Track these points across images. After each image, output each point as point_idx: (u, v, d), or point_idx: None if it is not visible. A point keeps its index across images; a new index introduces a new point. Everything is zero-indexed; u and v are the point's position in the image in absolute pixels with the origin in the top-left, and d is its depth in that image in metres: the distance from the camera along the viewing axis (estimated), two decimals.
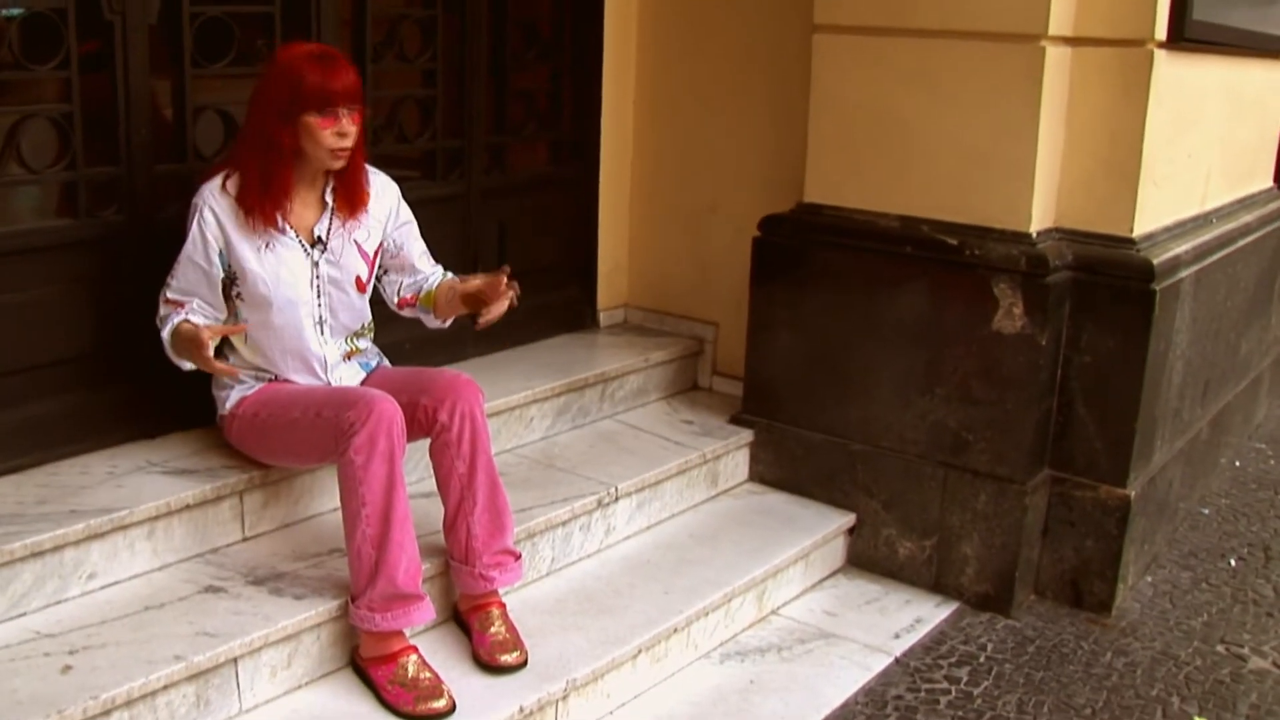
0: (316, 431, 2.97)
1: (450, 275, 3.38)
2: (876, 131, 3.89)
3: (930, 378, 3.83)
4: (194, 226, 3.03)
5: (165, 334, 3.04)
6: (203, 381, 3.26)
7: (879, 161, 3.91)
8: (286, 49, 3.03)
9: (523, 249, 4.37)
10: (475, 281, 3.15)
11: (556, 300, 4.58)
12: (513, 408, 3.91)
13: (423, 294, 3.34)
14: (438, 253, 3.91)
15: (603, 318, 4.75)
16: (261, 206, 3.01)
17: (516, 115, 4.35)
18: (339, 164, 3.02)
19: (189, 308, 3.06)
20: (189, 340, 2.92)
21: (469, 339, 4.18)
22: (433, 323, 3.36)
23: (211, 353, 2.87)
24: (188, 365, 3.02)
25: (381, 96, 3.83)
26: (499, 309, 3.09)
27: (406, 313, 3.39)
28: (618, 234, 4.75)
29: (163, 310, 3.08)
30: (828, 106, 3.99)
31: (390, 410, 2.89)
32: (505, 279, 3.06)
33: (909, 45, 3.80)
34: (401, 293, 3.35)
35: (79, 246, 3.17)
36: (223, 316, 3.14)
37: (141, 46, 3.17)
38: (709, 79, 4.50)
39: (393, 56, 3.85)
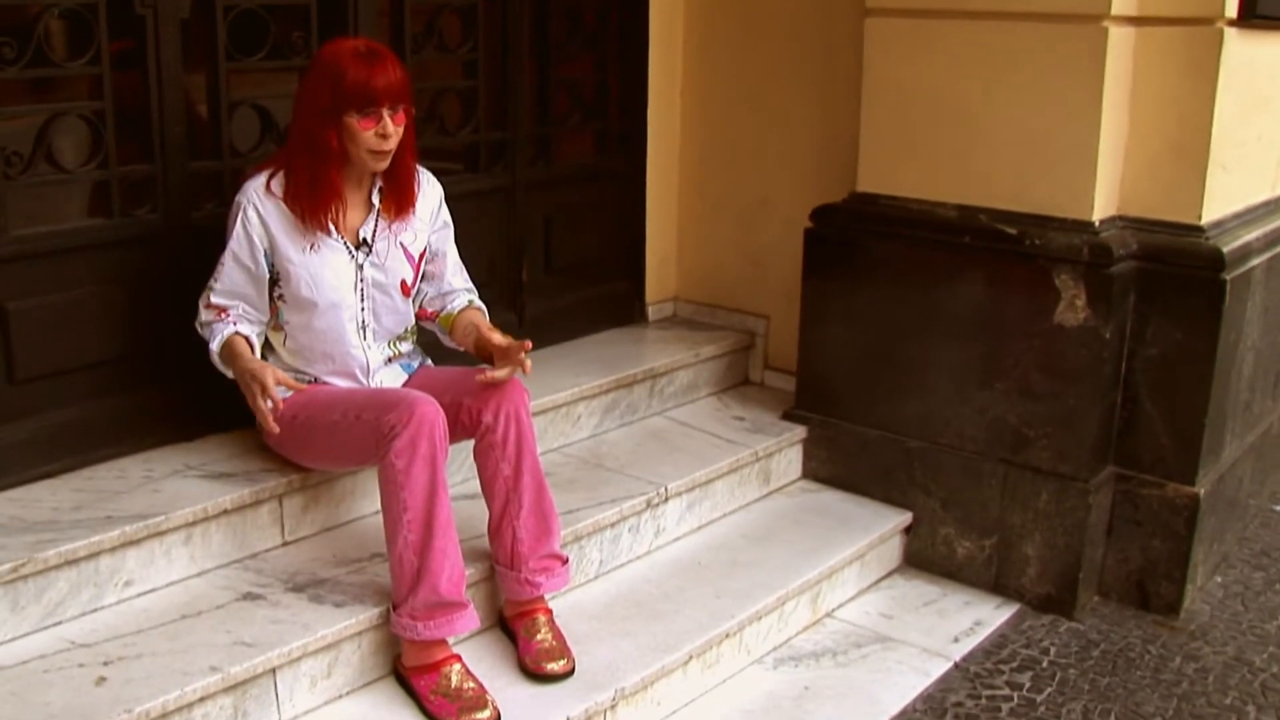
0: (356, 434, 2.90)
1: (477, 304, 3.28)
2: (932, 118, 3.76)
3: (989, 372, 3.70)
4: (238, 225, 2.97)
5: (215, 345, 2.98)
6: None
7: (935, 149, 3.78)
8: (330, 45, 2.94)
9: (569, 242, 4.29)
10: (496, 339, 3.01)
11: (604, 294, 4.49)
12: (559, 405, 3.82)
13: (444, 314, 3.26)
14: (481, 248, 3.86)
15: (651, 311, 4.65)
16: (312, 209, 2.94)
17: (561, 106, 4.25)
18: (380, 165, 2.94)
19: (234, 315, 3.01)
20: (252, 377, 2.86)
21: (514, 335, 3.99)
22: (445, 341, 3.29)
23: (272, 398, 2.83)
24: (233, 374, 2.97)
25: (422, 89, 3.73)
26: (504, 373, 2.95)
27: (424, 324, 3.31)
28: (666, 226, 4.65)
29: (204, 315, 3.02)
30: (881, 93, 3.86)
31: (432, 413, 2.81)
32: (524, 352, 2.93)
33: (965, 28, 3.66)
34: (424, 303, 3.27)
35: (113, 247, 3.12)
36: (267, 319, 3.08)
37: (174, 41, 3.10)
38: (757, 66, 4.39)
39: (433, 47, 3.76)
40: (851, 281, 3.94)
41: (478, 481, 3.06)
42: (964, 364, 3.75)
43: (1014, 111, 3.60)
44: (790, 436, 4.05)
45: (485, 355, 3.08)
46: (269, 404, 2.84)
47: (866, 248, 3.90)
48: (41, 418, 3.05)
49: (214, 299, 3.01)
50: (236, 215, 2.97)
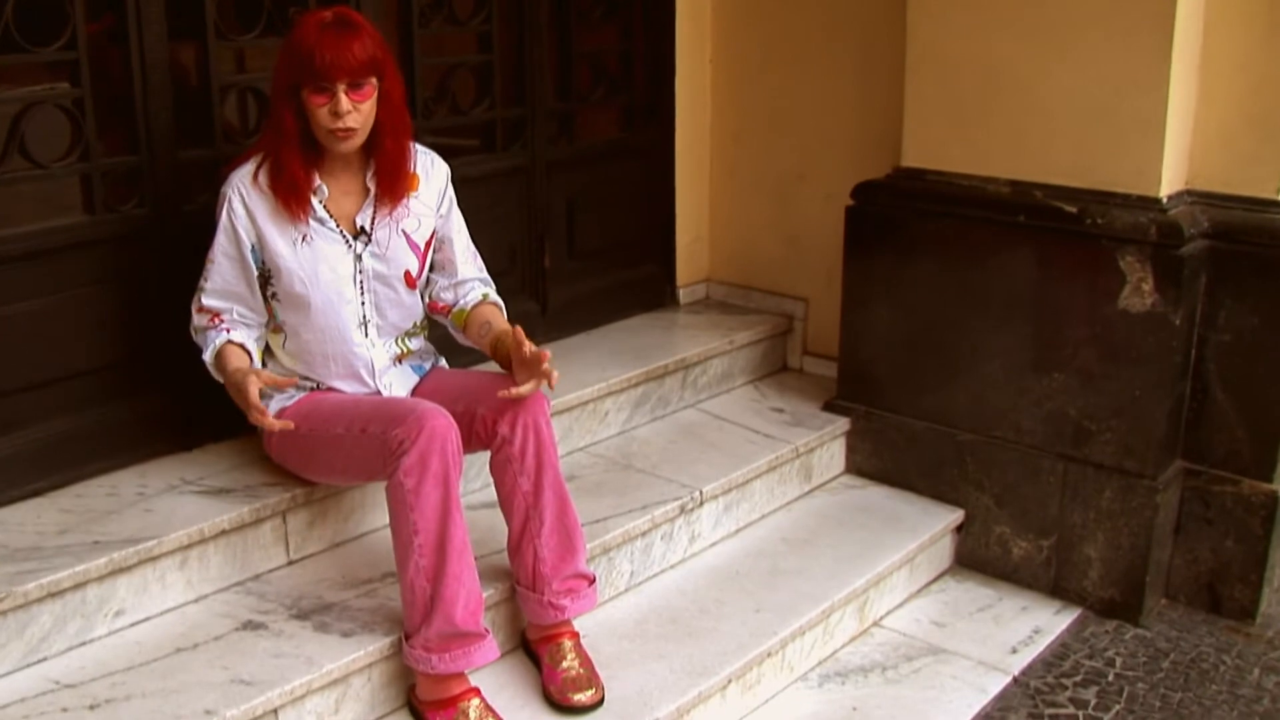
0: (362, 449, 2.67)
1: (493, 299, 3.02)
2: (983, 87, 3.48)
3: (1047, 361, 3.44)
4: (223, 218, 2.76)
5: (208, 356, 2.79)
6: None
7: (986, 120, 3.49)
8: (302, 17, 2.71)
9: (594, 224, 4.04)
10: (518, 348, 2.72)
11: (632, 278, 4.23)
12: (586, 402, 3.58)
13: (456, 309, 3.00)
14: (501, 234, 3.61)
15: (682, 295, 4.40)
16: (285, 196, 2.72)
17: (583, 79, 3.99)
18: (342, 146, 2.70)
19: (228, 320, 2.80)
20: (235, 387, 2.66)
21: (537, 325, 3.86)
22: (459, 338, 3.04)
23: (257, 401, 2.59)
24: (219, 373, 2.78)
25: (432, 64, 3.49)
26: (527, 388, 2.69)
27: (437, 319, 3.06)
28: (697, 204, 4.38)
29: (197, 320, 2.81)
30: (927, 60, 3.58)
31: (444, 426, 2.57)
32: (544, 362, 2.68)
33: None
34: (436, 296, 3.02)
35: (98, 246, 2.89)
36: (265, 321, 2.86)
37: (158, 19, 2.88)
38: (792, 31, 4.10)
39: (442, 20, 3.50)
40: (897, 263, 3.68)
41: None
42: (1019, 352, 3.48)
43: (1073, 78, 3.31)
44: (832, 430, 3.80)
45: (502, 357, 2.84)
46: (264, 412, 2.61)
47: (913, 227, 3.63)
48: (25, 432, 2.84)
49: (205, 301, 2.80)
50: (221, 207, 2.76)
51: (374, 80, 2.66)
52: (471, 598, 2.60)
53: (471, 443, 2.77)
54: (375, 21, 3.13)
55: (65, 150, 2.82)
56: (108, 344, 2.94)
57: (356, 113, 2.64)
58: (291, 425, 2.68)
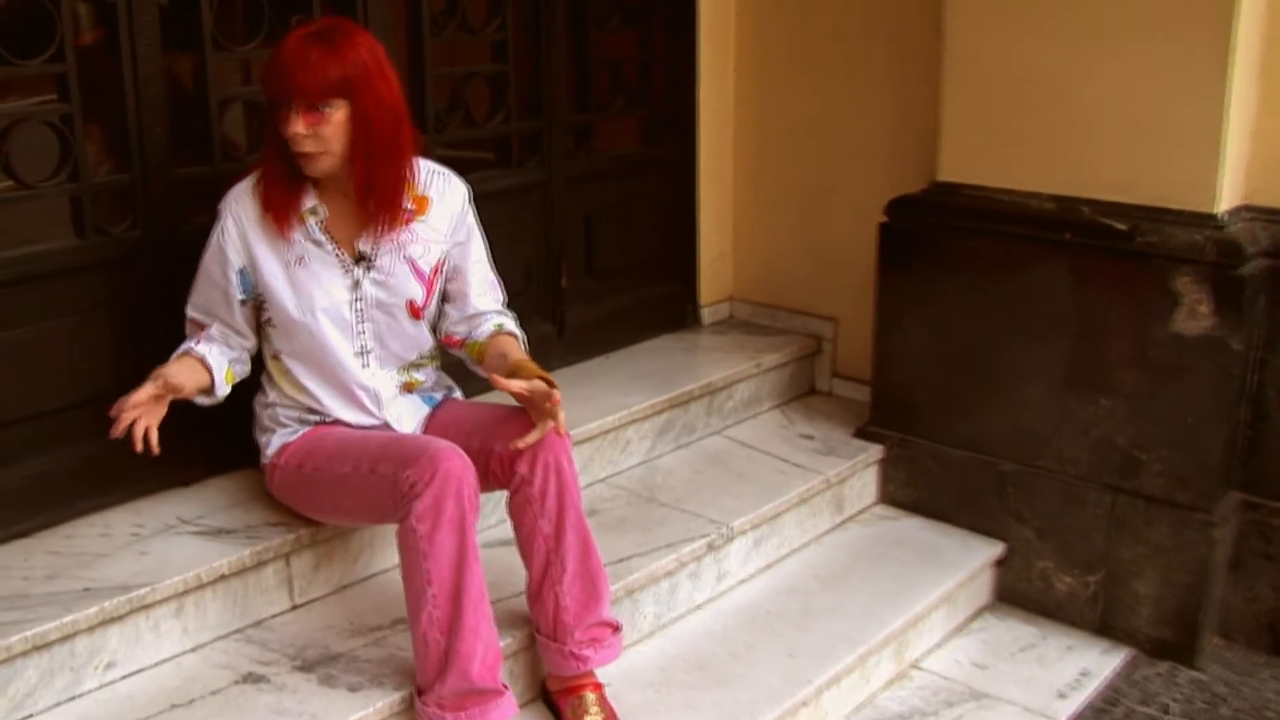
0: (371, 490, 2.50)
1: (509, 329, 2.80)
2: (1025, 96, 3.29)
3: (1093, 386, 3.24)
4: (214, 238, 2.61)
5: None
6: (245, 419, 2.81)
7: (1028, 132, 3.30)
8: (293, 27, 2.55)
9: (613, 241, 3.86)
10: (520, 383, 2.49)
11: (653, 297, 4.04)
12: (607, 430, 3.39)
13: (470, 341, 2.80)
14: (516, 252, 3.44)
15: (705, 314, 4.20)
16: (271, 213, 2.58)
17: (602, 90, 3.80)
18: (307, 169, 2.52)
19: (208, 335, 2.65)
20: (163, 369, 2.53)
21: (554, 348, 3.68)
22: (478, 372, 2.84)
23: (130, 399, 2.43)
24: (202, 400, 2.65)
25: (443, 75, 3.31)
26: (534, 435, 2.50)
27: (453, 352, 2.86)
28: (721, 219, 4.19)
29: (187, 330, 2.70)
30: (965, 68, 3.39)
31: (459, 468, 2.39)
32: (552, 400, 2.48)
33: None
34: (448, 330, 2.82)
35: (89, 270, 2.72)
36: (250, 345, 2.70)
37: (151, 30, 2.70)
38: (821, 38, 3.91)
39: (455, 27, 3.31)
40: (933, 282, 3.49)
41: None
42: (1063, 377, 3.29)
43: (1122, 87, 3.13)
44: (865, 458, 3.61)
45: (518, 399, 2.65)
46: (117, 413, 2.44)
47: (950, 244, 3.44)
48: (10, 469, 2.66)
49: (190, 312, 2.68)
50: (216, 227, 2.61)
51: (338, 103, 2.45)
52: (489, 652, 2.42)
53: (488, 481, 2.60)
54: (384, 29, 2.99)
55: (53, 169, 2.65)
56: (98, 374, 2.75)
57: (314, 137, 2.46)
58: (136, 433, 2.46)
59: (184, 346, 2.64)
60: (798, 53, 3.97)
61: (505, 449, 2.55)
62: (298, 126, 2.43)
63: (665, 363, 3.81)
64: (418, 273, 2.68)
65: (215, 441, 2.89)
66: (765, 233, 4.18)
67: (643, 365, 3.78)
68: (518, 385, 2.48)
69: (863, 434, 3.70)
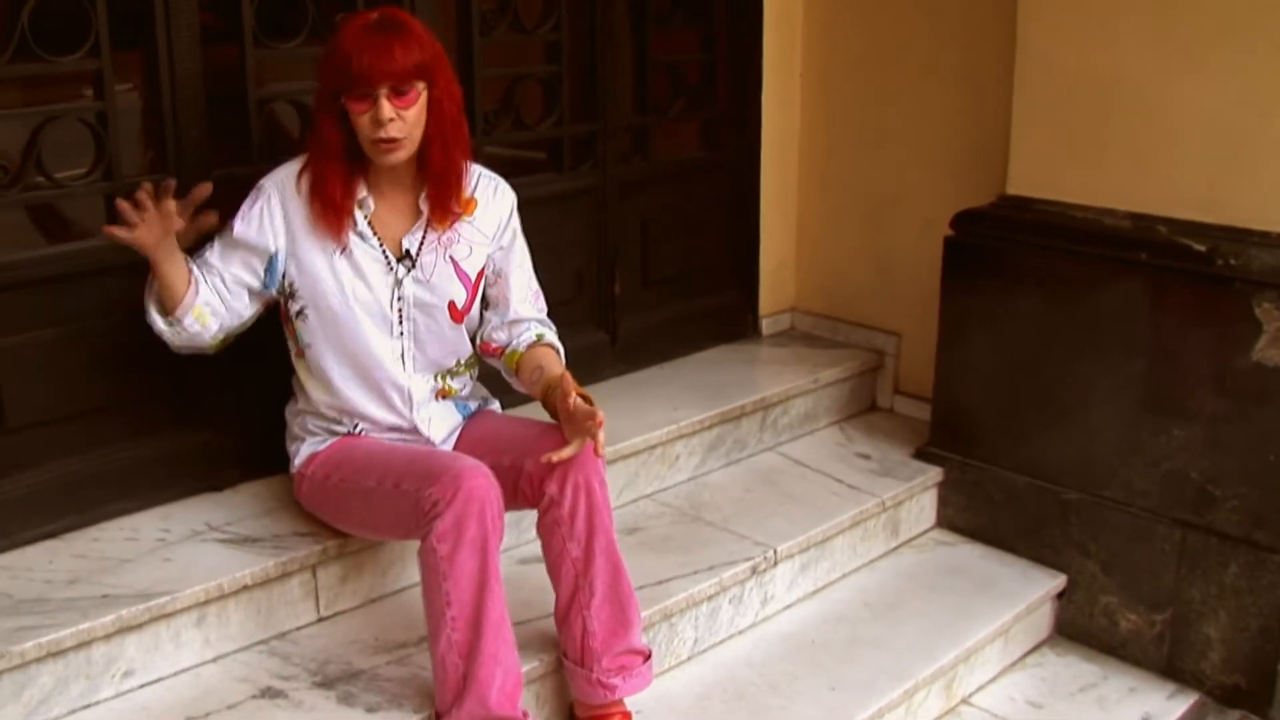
0: (395, 506, 2.42)
1: (549, 340, 2.73)
2: (1101, 106, 3.12)
3: (1166, 415, 3.07)
4: (253, 206, 2.53)
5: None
6: (278, 426, 2.75)
7: (1104, 144, 3.14)
8: (344, 20, 2.47)
9: (670, 249, 3.75)
10: (563, 398, 2.45)
11: (710, 307, 3.92)
12: (654, 446, 3.28)
13: (509, 351, 2.71)
14: (567, 259, 3.37)
15: (765, 325, 4.08)
16: (320, 211, 2.49)
17: (661, 92, 3.68)
18: (387, 159, 2.44)
19: (207, 264, 2.52)
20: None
21: (606, 357, 3.59)
22: (514, 384, 2.76)
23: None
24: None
25: (493, 76, 3.22)
26: (570, 450, 2.42)
27: (490, 361, 2.78)
28: (784, 227, 4.06)
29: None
30: (1038, 75, 3.23)
31: (483, 488, 2.31)
32: (595, 420, 2.40)
33: None
34: (488, 336, 2.74)
35: (125, 271, 2.64)
36: (232, 315, 2.56)
37: (190, 27, 2.64)
38: (890, 41, 3.76)
39: (506, 27, 3.22)
40: (1000, 299, 3.33)
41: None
42: (1134, 404, 3.12)
43: (1205, 99, 2.95)
44: (923, 480, 3.46)
45: (552, 407, 2.56)
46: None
47: (1019, 261, 3.29)
48: (40, 471, 2.64)
49: (196, 259, 2.53)
50: (254, 201, 2.53)
51: (420, 86, 2.41)
52: (509, 678, 2.33)
53: (518, 500, 2.52)
54: (432, 28, 2.90)
55: (88, 167, 2.60)
56: (131, 377, 2.72)
57: (400, 121, 2.39)
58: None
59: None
60: (866, 56, 3.83)
61: (536, 467, 2.46)
62: (386, 111, 2.37)
63: (720, 375, 3.69)
64: (460, 274, 2.61)
65: (250, 445, 2.85)
66: (829, 242, 4.04)
67: (696, 377, 3.67)
68: (574, 400, 2.41)
69: (922, 455, 3.56)
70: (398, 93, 2.37)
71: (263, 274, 2.54)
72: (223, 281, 2.53)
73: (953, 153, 3.65)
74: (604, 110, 3.47)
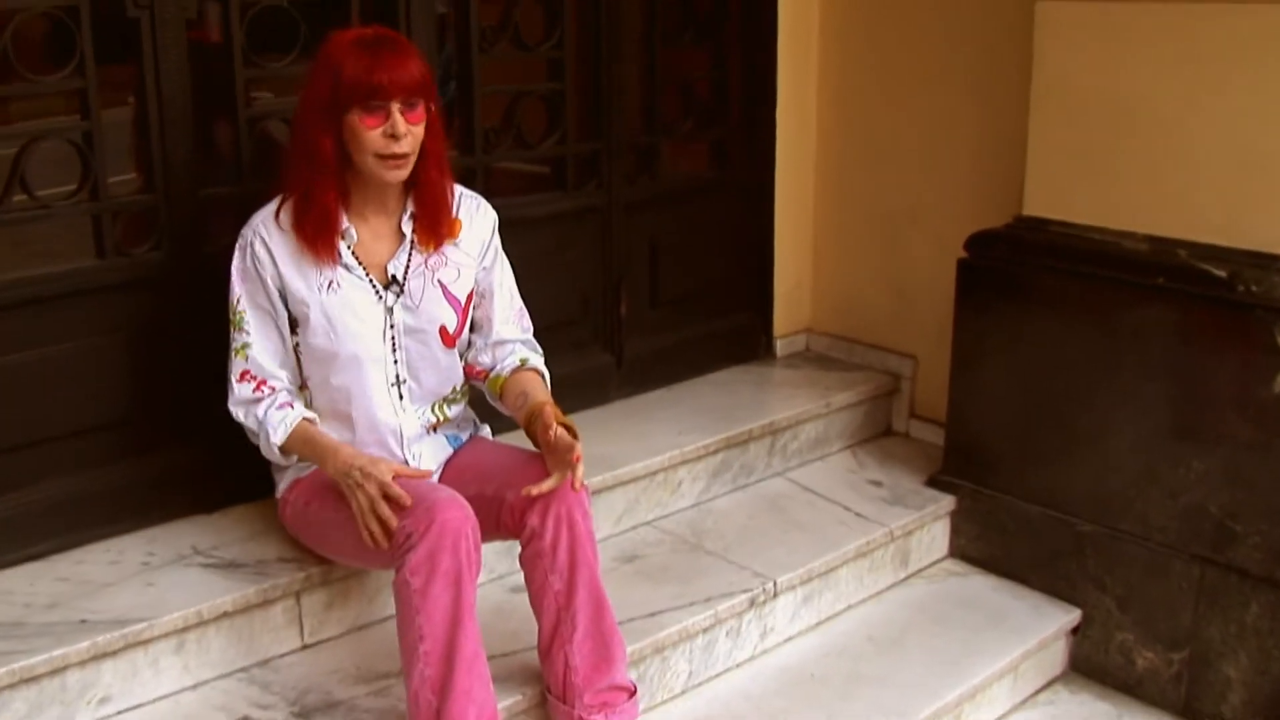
0: None
1: (533, 364, 2.67)
2: (1119, 126, 3.02)
3: (1184, 447, 2.96)
4: (244, 265, 2.48)
5: (277, 439, 2.46)
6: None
7: (1122, 165, 3.04)
8: (334, 35, 2.42)
9: (680, 269, 3.68)
10: (544, 429, 2.38)
11: (722, 328, 3.84)
12: (655, 471, 3.21)
13: (493, 375, 2.66)
14: (572, 281, 3.35)
15: (779, 346, 3.99)
16: (311, 235, 2.42)
17: (671, 109, 3.61)
18: (393, 175, 2.39)
19: (281, 392, 2.50)
20: (361, 478, 2.33)
21: (612, 380, 3.53)
22: (499, 408, 2.70)
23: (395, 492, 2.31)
24: (289, 459, 2.50)
25: (493, 93, 3.16)
26: (549, 484, 2.35)
27: (474, 383, 2.72)
28: (800, 246, 3.97)
29: (240, 392, 2.49)
30: (1054, 93, 3.13)
31: (457, 520, 2.25)
32: (574, 454, 2.34)
33: (1166, 13, 2.92)
34: (473, 359, 2.68)
35: (109, 291, 2.65)
36: (299, 383, 2.57)
37: (177, 46, 2.61)
38: (909, 59, 3.67)
39: (507, 43, 3.16)
40: (1014, 323, 3.23)
41: None
42: (1152, 434, 3.01)
43: (1226, 120, 2.85)
44: (935, 509, 3.36)
45: (534, 435, 2.50)
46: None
47: (1033, 284, 3.19)
48: (26, 492, 2.61)
49: (253, 368, 2.48)
50: (242, 256, 2.48)
51: (425, 102, 2.37)
52: (482, 714, 2.27)
53: (499, 531, 2.47)
54: (429, 45, 2.88)
55: (73, 188, 2.58)
56: (119, 398, 2.70)
57: (410, 137, 2.35)
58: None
59: (288, 417, 2.46)
60: (884, 74, 3.74)
61: (517, 499, 2.40)
62: (401, 126, 2.33)
63: (729, 398, 3.61)
64: (450, 298, 2.56)
65: (242, 468, 2.78)
66: (846, 262, 3.95)
67: (705, 400, 3.59)
68: (554, 427, 2.34)
69: (935, 482, 3.46)
70: (410, 107, 2.34)
71: (284, 311, 2.48)
72: (288, 376, 2.52)
73: (970, 172, 3.55)
74: (609, 128, 3.40)
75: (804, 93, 3.85)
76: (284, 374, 2.51)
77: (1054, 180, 3.17)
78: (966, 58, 3.51)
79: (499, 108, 3.19)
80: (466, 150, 3.11)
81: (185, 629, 2.47)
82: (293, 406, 2.49)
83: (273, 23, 2.74)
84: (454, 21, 3.04)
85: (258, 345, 2.48)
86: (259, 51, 2.74)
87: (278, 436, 2.45)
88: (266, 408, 2.47)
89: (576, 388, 3.41)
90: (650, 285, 3.61)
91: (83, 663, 2.35)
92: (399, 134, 2.33)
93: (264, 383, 2.49)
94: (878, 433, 3.82)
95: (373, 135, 2.34)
